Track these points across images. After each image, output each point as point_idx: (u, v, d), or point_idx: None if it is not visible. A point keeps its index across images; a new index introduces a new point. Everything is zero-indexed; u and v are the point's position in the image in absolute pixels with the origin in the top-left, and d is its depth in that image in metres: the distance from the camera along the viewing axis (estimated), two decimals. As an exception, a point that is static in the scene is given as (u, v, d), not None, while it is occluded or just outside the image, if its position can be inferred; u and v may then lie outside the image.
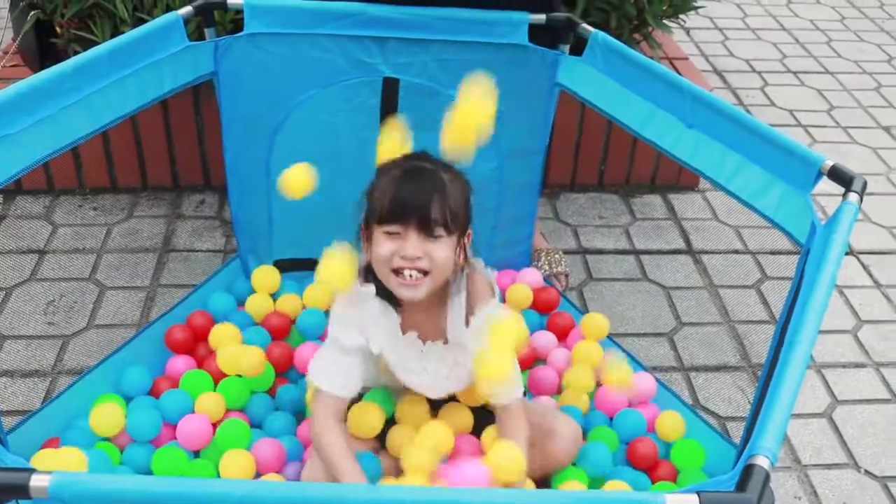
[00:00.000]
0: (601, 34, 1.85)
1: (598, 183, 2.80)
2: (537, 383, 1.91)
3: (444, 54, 1.92)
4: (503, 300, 2.09)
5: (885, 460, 1.94)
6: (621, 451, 1.80)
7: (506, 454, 1.40)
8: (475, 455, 1.62)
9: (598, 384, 1.90)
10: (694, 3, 2.72)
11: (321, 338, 1.96)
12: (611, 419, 1.86)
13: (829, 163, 1.49)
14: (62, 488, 0.90)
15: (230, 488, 0.91)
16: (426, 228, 1.46)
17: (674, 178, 2.81)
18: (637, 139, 1.84)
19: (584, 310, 2.26)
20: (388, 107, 1.98)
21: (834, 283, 1.24)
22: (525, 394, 1.79)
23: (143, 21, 2.13)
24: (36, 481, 0.90)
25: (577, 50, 1.91)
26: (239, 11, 1.90)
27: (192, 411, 1.78)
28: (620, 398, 1.87)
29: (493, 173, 2.09)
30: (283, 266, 2.17)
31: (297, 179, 1.60)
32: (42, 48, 2.60)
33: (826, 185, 1.51)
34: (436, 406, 1.70)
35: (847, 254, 2.55)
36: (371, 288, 1.56)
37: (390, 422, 1.70)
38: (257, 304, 2.06)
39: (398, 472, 1.58)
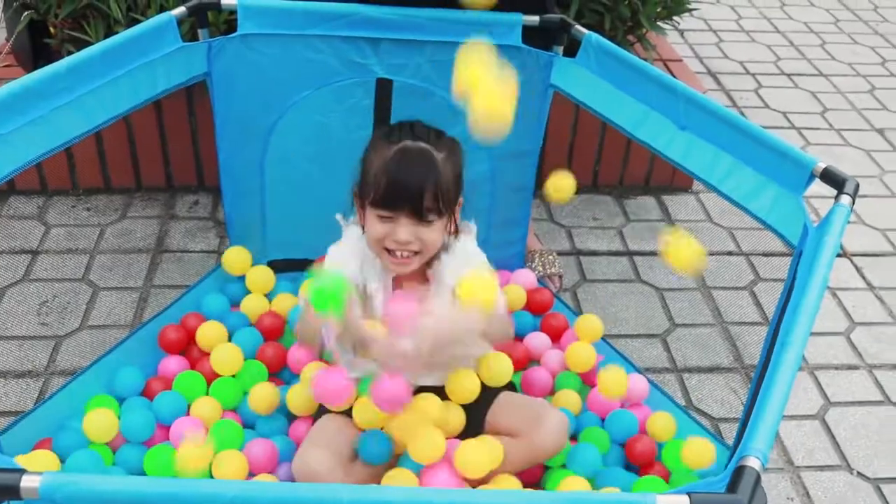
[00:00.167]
0: (595, 36, 1.85)
1: (591, 184, 2.80)
2: (531, 384, 1.91)
3: (438, 55, 1.92)
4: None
5: (877, 462, 1.94)
6: (613, 453, 1.80)
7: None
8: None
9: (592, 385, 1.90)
10: (688, 5, 2.73)
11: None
12: (602, 420, 1.86)
13: (822, 165, 1.50)
14: (53, 489, 0.90)
15: (222, 489, 0.91)
16: (418, 215, 1.50)
17: (668, 179, 2.81)
18: (631, 141, 1.84)
19: (578, 311, 2.26)
20: (382, 108, 1.99)
21: (826, 285, 1.25)
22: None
23: (136, 21, 2.13)
24: (27, 482, 0.90)
25: (571, 51, 1.91)
26: (232, 12, 1.90)
27: (186, 413, 1.78)
28: (612, 399, 1.87)
29: (486, 175, 2.09)
30: (278, 266, 2.17)
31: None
32: (36, 48, 2.59)
33: (819, 187, 1.52)
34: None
35: (840, 256, 2.55)
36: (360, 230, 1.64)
37: None
38: (252, 305, 2.06)
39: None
